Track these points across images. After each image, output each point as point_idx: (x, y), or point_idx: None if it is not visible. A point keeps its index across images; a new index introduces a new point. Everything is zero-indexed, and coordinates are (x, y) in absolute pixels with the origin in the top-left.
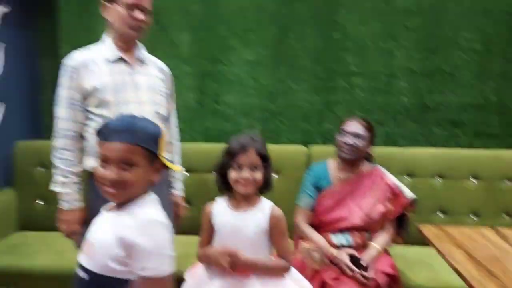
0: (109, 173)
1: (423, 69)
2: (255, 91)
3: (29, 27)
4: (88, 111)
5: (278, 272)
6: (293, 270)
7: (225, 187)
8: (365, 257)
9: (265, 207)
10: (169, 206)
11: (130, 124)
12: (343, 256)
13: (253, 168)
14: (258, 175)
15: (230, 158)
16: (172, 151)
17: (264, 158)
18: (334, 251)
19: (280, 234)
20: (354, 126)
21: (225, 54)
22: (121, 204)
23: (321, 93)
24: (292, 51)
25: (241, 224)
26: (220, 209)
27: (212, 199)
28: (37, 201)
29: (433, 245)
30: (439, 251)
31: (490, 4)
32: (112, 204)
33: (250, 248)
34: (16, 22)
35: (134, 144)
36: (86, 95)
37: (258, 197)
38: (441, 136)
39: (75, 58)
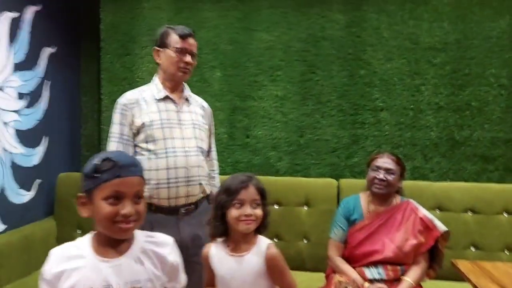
0: (129, 208)
1: (451, 104)
2: (283, 125)
3: (73, 66)
4: (137, 145)
5: None
6: None
7: (222, 231)
8: None
9: (262, 247)
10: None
11: (132, 158)
12: None
13: (254, 204)
14: (259, 211)
15: (230, 196)
16: (213, 184)
17: (263, 194)
18: (366, 285)
19: (279, 272)
20: (385, 161)
21: (254, 90)
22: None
23: (348, 128)
24: (319, 87)
25: (238, 269)
26: (217, 253)
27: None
28: (76, 230)
29: (469, 281)
30: (476, 287)
31: None
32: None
33: None
34: (61, 62)
35: (142, 177)
36: (135, 131)
37: (256, 237)
38: (472, 170)
39: (127, 97)
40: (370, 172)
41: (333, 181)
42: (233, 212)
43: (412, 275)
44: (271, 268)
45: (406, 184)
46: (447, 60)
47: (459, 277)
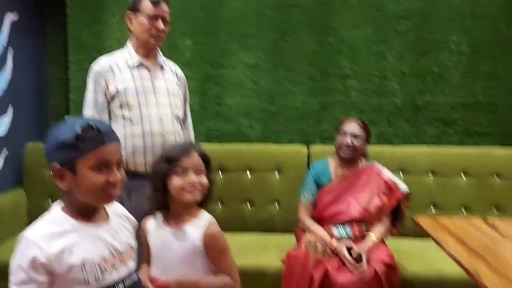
0: (117, 175)
1: (414, 71)
2: (255, 93)
3: (37, 34)
4: (112, 112)
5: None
6: None
7: (163, 203)
8: (362, 247)
9: (202, 223)
10: None
11: (107, 124)
12: (342, 248)
13: (198, 172)
14: (204, 180)
15: (171, 163)
16: None
17: (207, 162)
18: (334, 243)
19: (218, 253)
20: (352, 127)
21: (226, 58)
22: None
23: (317, 95)
24: (289, 55)
25: (173, 241)
26: (154, 227)
27: (214, 197)
28: (47, 200)
29: (429, 234)
30: (434, 240)
31: (477, 8)
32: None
33: (181, 268)
34: (24, 29)
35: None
36: (110, 98)
37: (198, 210)
38: (433, 134)
39: (100, 63)
40: (338, 137)
41: (304, 147)
42: (176, 181)
43: (376, 232)
44: (210, 247)
45: (372, 148)
46: (411, 28)
47: (420, 234)
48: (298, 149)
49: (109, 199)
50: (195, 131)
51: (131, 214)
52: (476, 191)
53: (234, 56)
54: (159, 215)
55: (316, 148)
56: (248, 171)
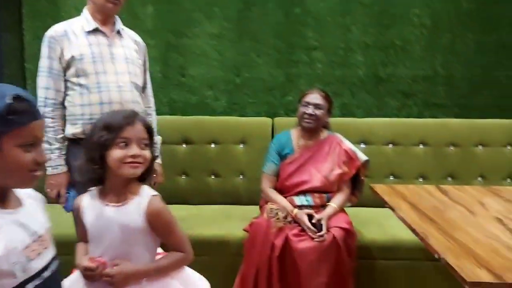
0: (44, 154)
1: (377, 43)
2: (220, 64)
3: None
4: (67, 80)
5: (177, 267)
6: (188, 271)
7: (99, 176)
8: (322, 215)
9: (144, 199)
10: None
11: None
12: (303, 216)
13: (141, 144)
14: (148, 153)
15: (112, 133)
16: (150, 121)
17: (150, 134)
18: (295, 211)
19: (164, 228)
20: (314, 97)
21: (190, 27)
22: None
23: (283, 67)
24: (255, 26)
25: (114, 221)
26: (90, 204)
27: (178, 170)
28: None
29: (383, 200)
30: (388, 204)
31: None
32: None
33: (123, 248)
34: None
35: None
36: (65, 65)
37: (139, 186)
38: (394, 106)
39: (55, 29)
40: (300, 108)
41: (268, 119)
42: (116, 153)
43: (336, 200)
44: (154, 224)
45: (334, 120)
46: (375, 0)
47: (378, 203)
48: (262, 121)
49: (33, 180)
50: (157, 102)
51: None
52: (433, 161)
53: (198, 25)
54: (95, 191)
55: (281, 120)
56: (212, 143)
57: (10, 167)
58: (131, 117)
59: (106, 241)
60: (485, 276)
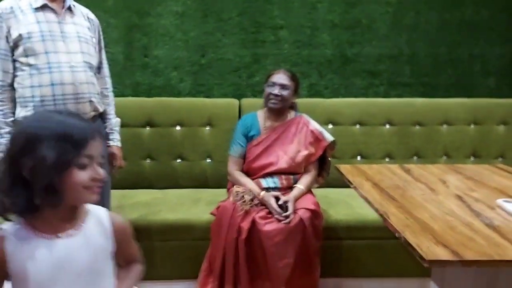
0: (102, 171)
1: (344, 22)
2: (184, 44)
3: None
4: (16, 60)
5: (137, 280)
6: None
7: (31, 206)
8: (289, 196)
9: (101, 218)
10: (106, 158)
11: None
12: (270, 199)
13: (99, 162)
14: (104, 172)
15: (75, 150)
16: (106, 102)
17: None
18: (262, 193)
19: (128, 241)
20: (280, 77)
21: (153, 6)
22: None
23: (249, 47)
24: (219, 4)
25: (72, 256)
26: (18, 245)
27: (143, 154)
28: None
29: (347, 179)
30: (350, 183)
31: None
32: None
33: (87, 281)
34: None
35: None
36: (13, 44)
37: (85, 208)
38: (360, 86)
39: (1, 6)
40: (266, 88)
41: (235, 101)
42: (80, 175)
43: (303, 182)
44: (121, 240)
45: (302, 101)
46: None
47: (346, 184)
48: (229, 102)
49: (92, 197)
50: (120, 84)
51: None
52: (399, 140)
53: (161, 3)
54: (18, 225)
55: (248, 102)
56: (178, 126)
57: (68, 187)
58: (91, 129)
59: (64, 284)
60: (442, 253)
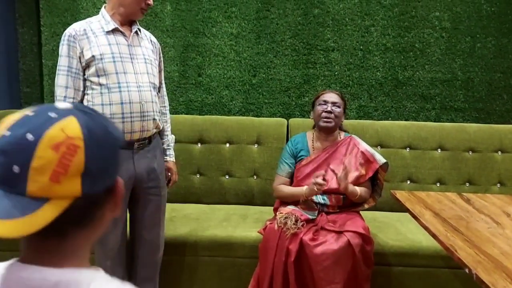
0: None
1: (397, 46)
2: (237, 64)
3: None
4: (88, 79)
5: None
6: None
7: None
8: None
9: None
10: (164, 172)
11: None
12: (313, 188)
13: None
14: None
15: None
16: (164, 120)
17: None
18: (305, 188)
19: None
20: (331, 96)
21: (208, 27)
22: None
23: (301, 68)
24: (273, 26)
25: None
26: None
27: (193, 169)
28: None
29: (406, 207)
30: (410, 212)
31: None
32: None
33: None
34: None
35: None
36: (85, 64)
37: None
38: (411, 109)
39: (75, 27)
40: (317, 107)
41: (283, 120)
42: None
43: (359, 188)
44: None
45: (352, 123)
46: (396, 2)
47: (395, 208)
48: (277, 122)
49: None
50: (174, 101)
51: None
52: (451, 166)
53: (216, 25)
54: None
55: (296, 121)
56: (227, 143)
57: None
58: None
59: None
60: None
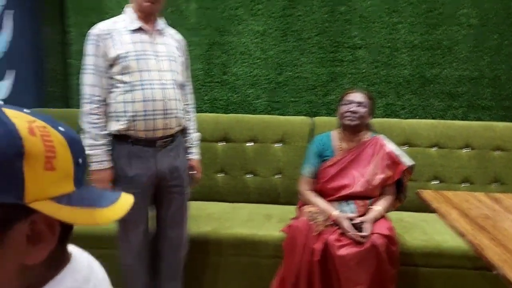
0: None
1: (424, 43)
2: (263, 62)
3: None
4: (112, 78)
5: None
6: None
7: None
8: (366, 218)
9: None
10: (187, 170)
11: None
12: (343, 220)
13: None
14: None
15: None
16: (188, 118)
17: None
18: (335, 213)
19: None
20: (357, 96)
21: (234, 24)
22: None
23: (327, 65)
24: (299, 23)
25: None
26: None
27: (217, 167)
28: None
29: (432, 207)
30: (437, 211)
31: None
32: None
33: None
34: None
35: None
36: (110, 63)
37: None
38: (439, 107)
39: (100, 27)
40: (342, 106)
41: (308, 119)
42: None
43: (381, 203)
44: None
45: (378, 121)
46: None
47: (421, 208)
48: (302, 120)
49: None
50: (199, 99)
51: (131, 179)
52: (478, 164)
53: (242, 22)
54: None
55: (321, 120)
56: (252, 142)
57: None
58: None
59: None
60: None
